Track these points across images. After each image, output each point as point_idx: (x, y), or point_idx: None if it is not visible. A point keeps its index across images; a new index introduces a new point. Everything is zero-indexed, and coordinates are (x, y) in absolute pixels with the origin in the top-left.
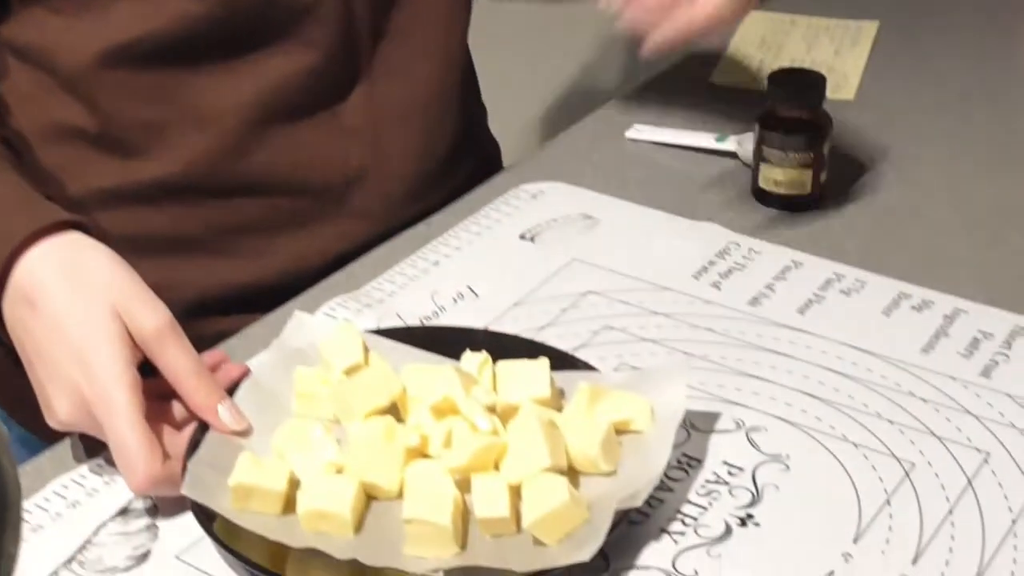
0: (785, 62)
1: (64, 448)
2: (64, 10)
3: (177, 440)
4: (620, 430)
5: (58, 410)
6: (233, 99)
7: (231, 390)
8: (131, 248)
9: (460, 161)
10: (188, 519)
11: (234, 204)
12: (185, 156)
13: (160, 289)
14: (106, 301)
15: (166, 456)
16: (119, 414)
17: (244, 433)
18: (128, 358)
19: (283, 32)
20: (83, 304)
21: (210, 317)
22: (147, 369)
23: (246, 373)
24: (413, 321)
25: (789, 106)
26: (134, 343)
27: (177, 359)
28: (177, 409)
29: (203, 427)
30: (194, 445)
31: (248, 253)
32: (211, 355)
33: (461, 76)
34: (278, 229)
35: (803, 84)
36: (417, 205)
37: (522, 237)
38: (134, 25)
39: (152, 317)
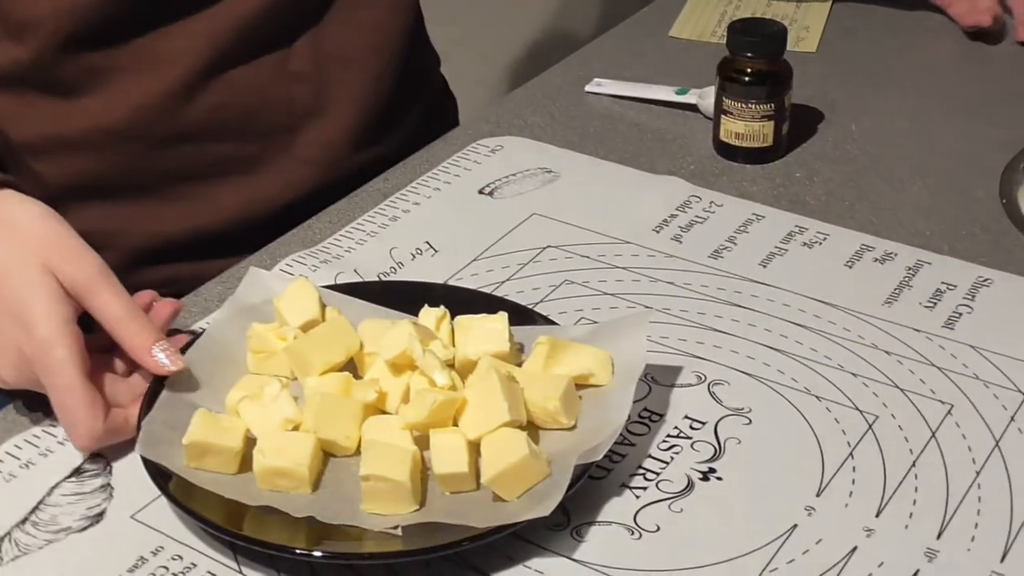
0: (745, 14)
1: (17, 408)
2: None
3: (121, 388)
4: (580, 384)
5: (1, 370)
6: (187, 45)
7: (185, 347)
8: (76, 195)
9: (408, 108)
10: (143, 478)
11: (180, 150)
12: (132, 102)
13: (106, 236)
14: (37, 257)
15: (109, 410)
16: (58, 372)
17: (182, 376)
18: (64, 314)
19: None
20: (15, 262)
21: (158, 264)
22: (92, 324)
23: (178, 309)
24: (371, 277)
25: (749, 57)
26: (69, 297)
27: (109, 305)
28: (121, 360)
29: (157, 386)
30: (149, 404)
31: (194, 200)
32: (141, 295)
33: (409, 22)
34: (224, 176)
35: (763, 35)
36: (364, 153)
37: (481, 192)
38: None
39: (82, 267)
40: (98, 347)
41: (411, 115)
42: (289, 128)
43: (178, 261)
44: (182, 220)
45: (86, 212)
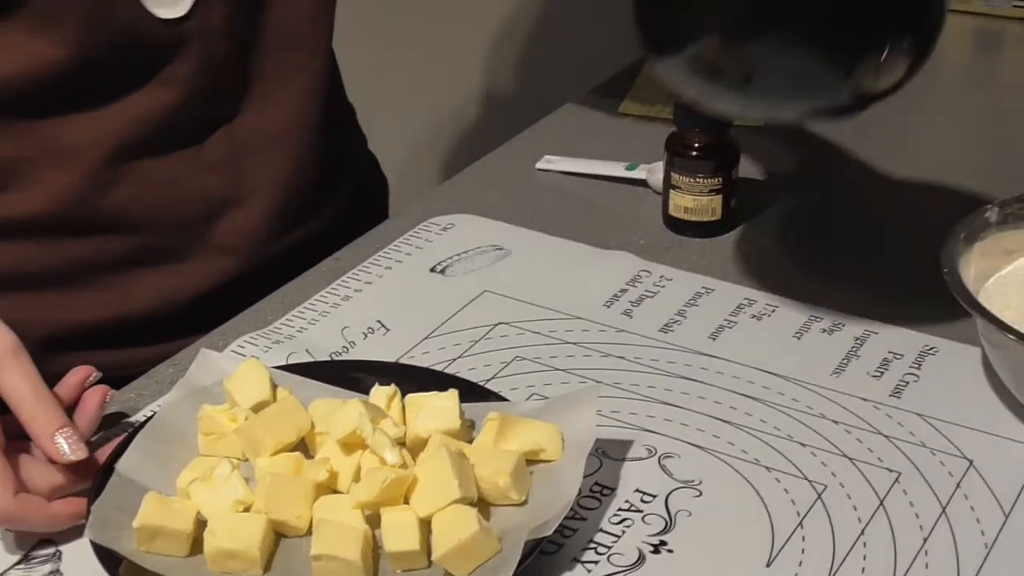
0: None
1: None
2: None
3: (38, 472)
4: (531, 460)
5: None
6: (92, 137)
7: (137, 430)
8: None
9: (331, 192)
10: (93, 563)
11: (95, 241)
12: (45, 194)
13: (22, 324)
14: None
15: (20, 490)
16: None
17: (133, 458)
18: None
19: (143, 72)
20: None
21: (75, 351)
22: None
23: (105, 395)
24: (323, 357)
25: (696, 132)
26: None
27: (15, 385)
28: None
29: (106, 470)
30: (99, 487)
31: (109, 289)
32: (75, 372)
33: (325, 107)
34: (139, 265)
35: None
36: (286, 239)
37: (433, 270)
38: None
39: None
40: (17, 431)
41: (335, 197)
42: (205, 218)
43: (96, 348)
44: (99, 309)
45: (2, 300)
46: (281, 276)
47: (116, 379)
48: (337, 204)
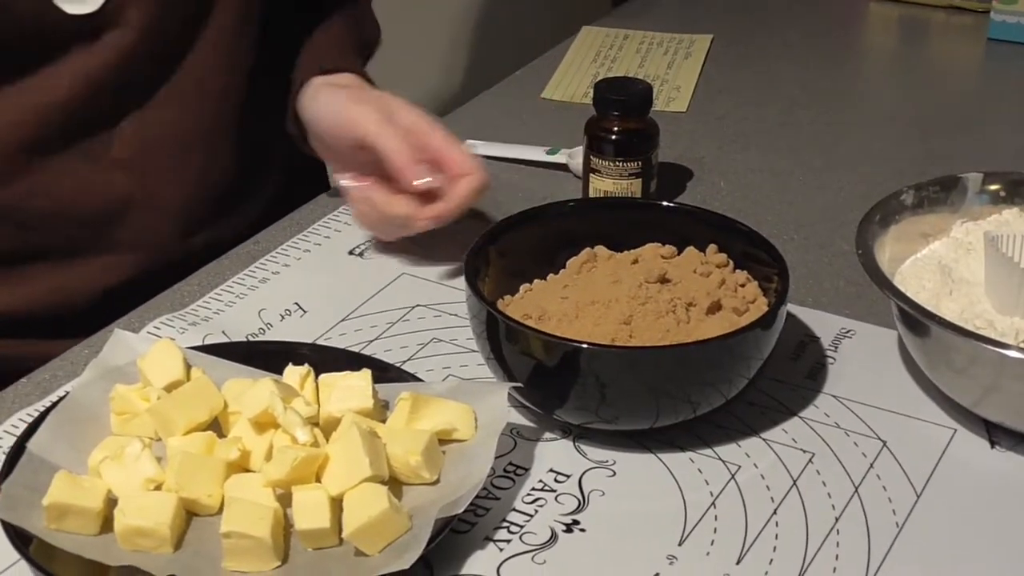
0: (618, 74)
1: None
2: None
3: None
4: (443, 439)
5: None
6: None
7: (49, 410)
8: None
9: (246, 196)
10: (2, 541)
11: None
12: None
13: None
14: None
15: None
16: None
17: (44, 438)
18: None
19: (49, 64)
20: None
21: None
22: None
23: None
24: (240, 338)
25: (615, 116)
26: None
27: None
28: None
29: (17, 448)
30: (9, 466)
31: (8, 283)
32: None
33: (242, 109)
34: (35, 259)
35: (628, 93)
36: (196, 238)
37: (351, 253)
38: None
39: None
40: None
41: (252, 202)
42: (109, 215)
43: None
44: None
45: None
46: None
47: (12, 373)
48: (253, 209)
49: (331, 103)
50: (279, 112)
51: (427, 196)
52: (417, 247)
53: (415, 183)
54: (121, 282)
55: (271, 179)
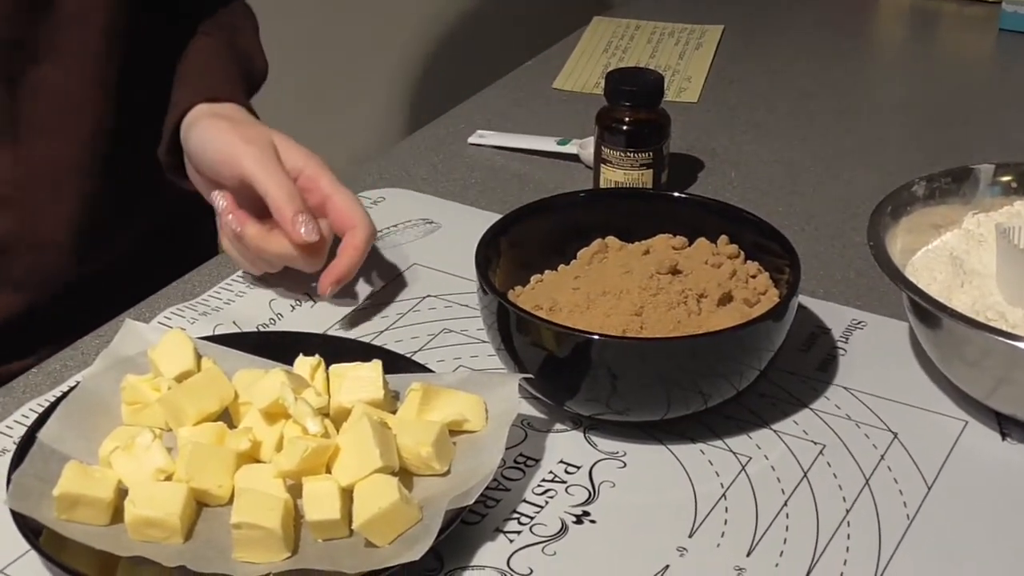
0: (629, 65)
1: None
2: None
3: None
4: (454, 430)
5: None
6: None
7: (59, 400)
8: None
9: (135, 213)
10: (13, 531)
11: None
12: None
13: None
14: None
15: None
16: None
17: (55, 428)
18: None
19: None
20: None
21: None
22: None
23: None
24: (250, 329)
25: (627, 106)
26: None
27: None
28: None
29: (28, 438)
30: (19, 456)
31: None
32: None
33: (116, 134)
34: None
35: (640, 83)
36: (84, 267)
37: None
38: None
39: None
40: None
41: (141, 221)
42: None
43: None
44: None
45: None
46: (87, 306)
47: None
48: (144, 227)
49: (216, 136)
50: (158, 137)
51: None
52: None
53: (299, 235)
54: (11, 317)
55: (158, 196)
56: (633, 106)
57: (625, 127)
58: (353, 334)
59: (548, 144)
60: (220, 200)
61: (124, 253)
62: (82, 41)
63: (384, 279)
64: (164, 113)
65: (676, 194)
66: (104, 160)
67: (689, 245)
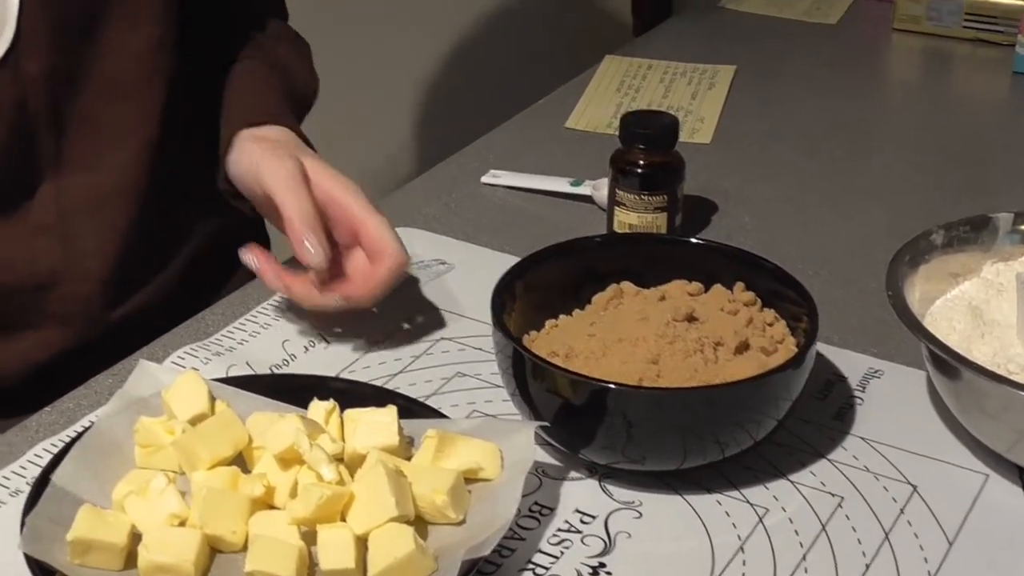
0: (642, 105)
1: None
2: None
3: None
4: (469, 478)
5: None
6: None
7: (72, 441)
8: None
9: (178, 250)
10: (26, 575)
11: None
12: None
13: None
14: None
15: None
16: None
17: (68, 470)
18: None
19: None
20: None
21: None
22: None
23: None
24: (264, 370)
25: (641, 149)
26: None
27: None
28: None
29: (42, 479)
30: (33, 498)
31: None
32: None
33: (162, 164)
34: None
35: (655, 126)
36: (128, 305)
37: None
38: None
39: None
40: None
41: (185, 255)
42: (33, 287)
43: None
44: None
45: None
46: (131, 341)
47: None
48: (186, 258)
49: (247, 156)
50: (204, 164)
51: (335, 268)
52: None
53: (305, 256)
54: (52, 357)
55: (201, 231)
56: (648, 149)
57: (640, 170)
58: (367, 377)
59: (561, 185)
60: (252, 261)
61: (165, 288)
62: (124, 71)
63: (397, 320)
64: (207, 143)
65: (693, 240)
66: (146, 191)
67: (705, 291)
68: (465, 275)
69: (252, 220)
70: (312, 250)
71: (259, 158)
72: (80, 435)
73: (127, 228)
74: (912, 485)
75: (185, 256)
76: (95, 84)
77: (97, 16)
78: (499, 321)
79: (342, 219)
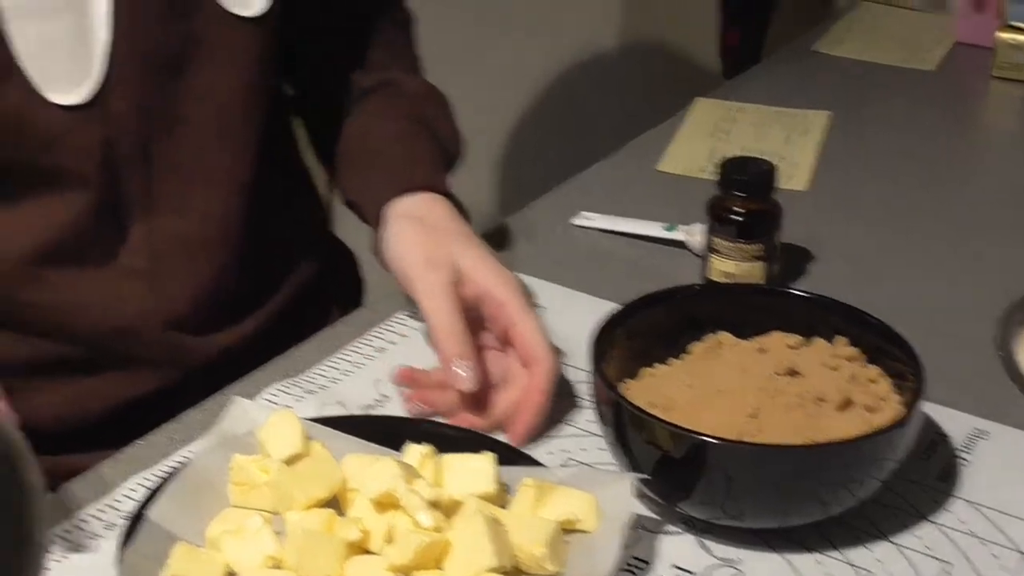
0: (734, 150)
1: None
2: None
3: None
4: (567, 529)
5: None
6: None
7: (168, 477)
8: None
9: (269, 292)
10: None
11: (6, 345)
12: None
13: None
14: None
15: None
16: None
17: (163, 506)
18: None
19: (36, 171)
20: None
21: None
22: None
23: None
24: (356, 409)
25: (740, 197)
26: None
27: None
28: None
29: (137, 516)
30: (128, 534)
31: (20, 394)
32: None
33: (256, 204)
34: (51, 374)
35: (754, 173)
36: (217, 342)
37: None
38: None
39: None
40: None
41: (276, 295)
42: (124, 327)
43: None
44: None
45: None
46: (219, 379)
47: None
48: (278, 302)
49: (400, 246)
50: (301, 198)
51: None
52: None
53: (455, 380)
54: (136, 397)
55: (294, 279)
56: (746, 196)
57: (737, 217)
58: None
59: (654, 229)
60: (408, 397)
61: (255, 333)
62: (217, 113)
63: None
64: (299, 184)
65: (795, 291)
66: (238, 237)
67: (805, 343)
68: (557, 318)
69: (349, 264)
70: (463, 374)
71: (411, 259)
72: (174, 471)
73: (217, 274)
74: (1022, 552)
75: (277, 302)
76: (186, 125)
77: (190, 56)
78: (599, 369)
79: (497, 317)
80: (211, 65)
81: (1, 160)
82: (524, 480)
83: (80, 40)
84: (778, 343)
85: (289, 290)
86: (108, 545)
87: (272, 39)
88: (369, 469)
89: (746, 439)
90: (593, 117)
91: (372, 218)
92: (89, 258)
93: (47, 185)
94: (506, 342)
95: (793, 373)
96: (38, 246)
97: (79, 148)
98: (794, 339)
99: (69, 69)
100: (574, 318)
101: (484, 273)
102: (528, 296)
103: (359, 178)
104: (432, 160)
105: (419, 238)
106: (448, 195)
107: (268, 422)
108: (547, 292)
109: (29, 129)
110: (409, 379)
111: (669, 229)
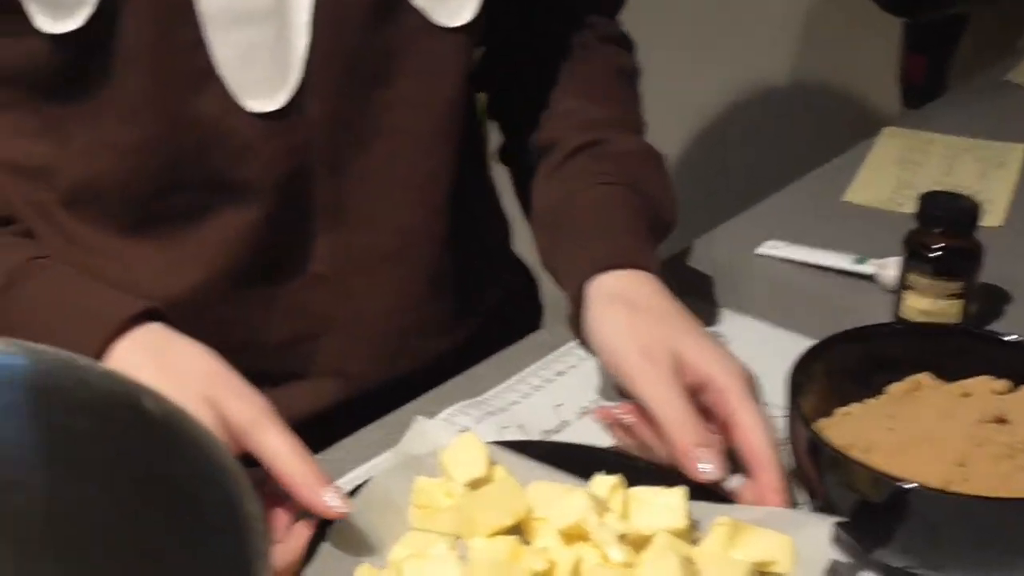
0: (924, 182)
1: None
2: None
3: (278, 551)
4: (761, 571)
5: None
6: (189, 260)
7: (350, 495)
8: None
9: (462, 308)
10: None
11: None
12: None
13: None
14: (198, 390)
15: None
16: None
17: (345, 526)
18: None
19: (226, 187)
20: (175, 393)
21: None
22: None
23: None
24: (536, 434)
25: (940, 233)
26: (227, 433)
27: (278, 445)
28: (280, 516)
29: (318, 536)
30: (309, 553)
31: None
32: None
33: (445, 219)
34: None
35: (956, 209)
36: (405, 359)
37: None
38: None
39: (247, 405)
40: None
41: (469, 313)
42: (308, 339)
43: None
44: None
45: None
46: (400, 395)
47: None
48: (469, 326)
49: (610, 334)
50: (490, 217)
51: None
52: None
53: (697, 473)
54: (318, 409)
55: (486, 292)
56: (946, 232)
57: (937, 253)
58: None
59: (843, 261)
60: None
61: (439, 354)
62: (415, 125)
63: None
64: (488, 202)
65: (1004, 337)
66: (427, 255)
67: (1012, 390)
68: (741, 349)
69: (531, 286)
70: (707, 468)
71: (623, 357)
72: (355, 489)
73: (404, 292)
74: None
75: (463, 327)
76: (380, 136)
77: (389, 66)
78: (796, 405)
79: (717, 405)
80: (410, 75)
81: (189, 175)
82: (718, 518)
83: (280, 47)
84: (983, 388)
85: (478, 314)
86: None
87: (472, 50)
88: (558, 499)
89: (953, 488)
90: (776, 145)
91: (571, 294)
92: (275, 270)
93: (231, 196)
94: (723, 431)
95: (1001, 421)
96: (225, 262)
97: (270, 157)
98: (1001, 384)
99: (267, 76)
100: (761, 351)
101: (707, 359)
102: (751, 381)
103: (557, 248)
104: (637, 231)
105: (629, 324)
106: (651, 271)
107: (451, 444)
108: (731, 322)
109: (223, 138)
110: (610, 418)
111: (859, 262)
